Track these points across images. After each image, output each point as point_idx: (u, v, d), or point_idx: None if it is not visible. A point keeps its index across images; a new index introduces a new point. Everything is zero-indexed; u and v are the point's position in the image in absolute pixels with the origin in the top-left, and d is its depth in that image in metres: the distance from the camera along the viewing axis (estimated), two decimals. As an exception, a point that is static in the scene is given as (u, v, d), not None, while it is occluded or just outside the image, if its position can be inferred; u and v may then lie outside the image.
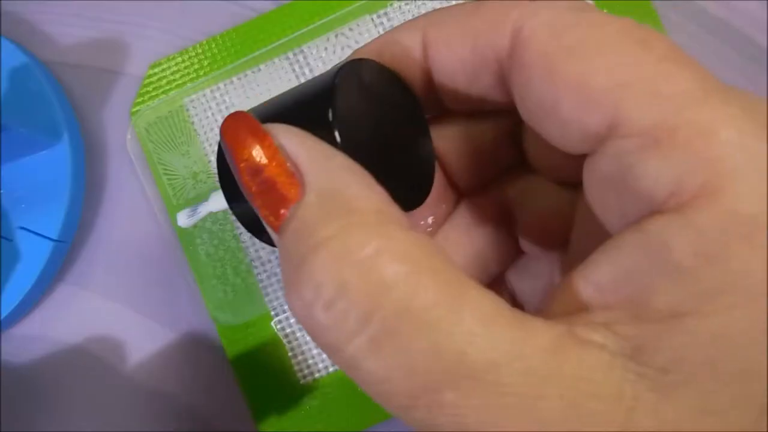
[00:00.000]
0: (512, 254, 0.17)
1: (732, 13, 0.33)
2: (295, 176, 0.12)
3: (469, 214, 0.17)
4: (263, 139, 0.12)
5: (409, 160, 0.15)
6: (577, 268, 0.11)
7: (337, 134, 0.13)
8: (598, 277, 0.11)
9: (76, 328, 0.33)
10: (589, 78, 0.11)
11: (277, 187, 0.12)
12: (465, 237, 0.17)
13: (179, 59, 0.34)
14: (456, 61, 0.14)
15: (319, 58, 0.33)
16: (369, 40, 0.33)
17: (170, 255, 0.33)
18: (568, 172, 0.15)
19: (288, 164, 0.12)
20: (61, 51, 0.35)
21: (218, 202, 0.32)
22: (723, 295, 0.09)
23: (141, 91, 0.34)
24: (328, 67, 0.33)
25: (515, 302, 0.18)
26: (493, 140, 0.16)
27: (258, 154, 0.12)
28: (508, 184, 0.16)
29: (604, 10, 0.13)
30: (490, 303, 0.11)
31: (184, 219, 0.32)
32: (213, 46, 0.34)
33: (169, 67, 0.34)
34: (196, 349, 0.33)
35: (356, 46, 0.33)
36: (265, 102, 0.16)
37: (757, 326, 0.09)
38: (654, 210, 0.10)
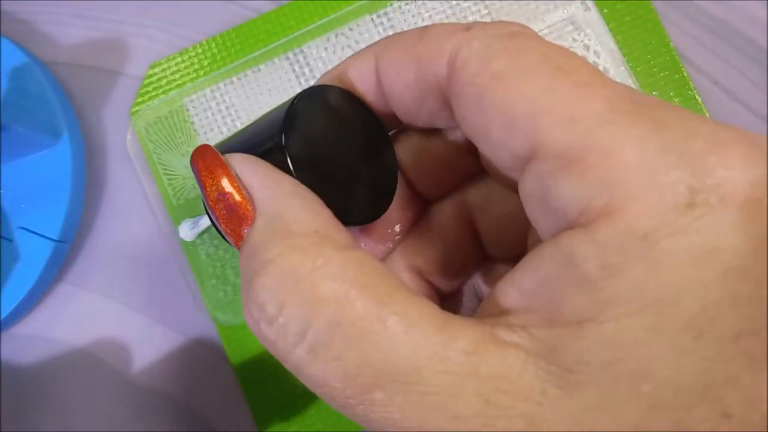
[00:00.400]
0: (478, 258, 0.18)
1: (732, 13, 0.33)
2: (250, 202, 0.14)
3: (435, 220, 0.18)
4: (223, 169, 0.14)
5: (371, 174, 0.16)
6: (507, 273, 0.13)
7: (288, 158, 0.14)
8: (521, 282, 0.12)
9: (76, 328, 0.33)
10: (512, 105, 0.12)
11: (236, 212, 0.14)
12: (431, 242, 0.18)
13: (179, 59, 0.34)
14: (403, 86, 0.15)
15: (319, 58, 0.33)
16: (369, 40, 0.33)
17: (170, 255, 0.33)
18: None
19: (244, 191, 0.14)
20: (61, 51, 0.35)
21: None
22: (619, 304, 0.10)
23: (141, 91, 0.34)
24: (328, 67, 0.33)
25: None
26: (451, 150, 0.17)
27: (219, 182, 0.14)
28: (469, 190, 0.17)
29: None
30: (416, 310, 0.12)
31: (185, 231, 0.32)
32: (213, 46, 0.34)
33: (169, 67, 0.34)
34: (196, 349, 0.33)
35: (356, 46, 0.33)
36: (234, 133, 0.17)
37: (647, 333, 0.10)
38: (568, 226, 0.11)
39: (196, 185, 0.33)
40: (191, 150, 0.33)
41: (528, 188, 0.12)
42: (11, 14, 0.35)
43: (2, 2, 0.35)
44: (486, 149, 0.13)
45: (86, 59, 0.35)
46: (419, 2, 0.33)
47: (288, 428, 0.32)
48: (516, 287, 0.12)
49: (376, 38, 0.33)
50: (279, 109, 0.16)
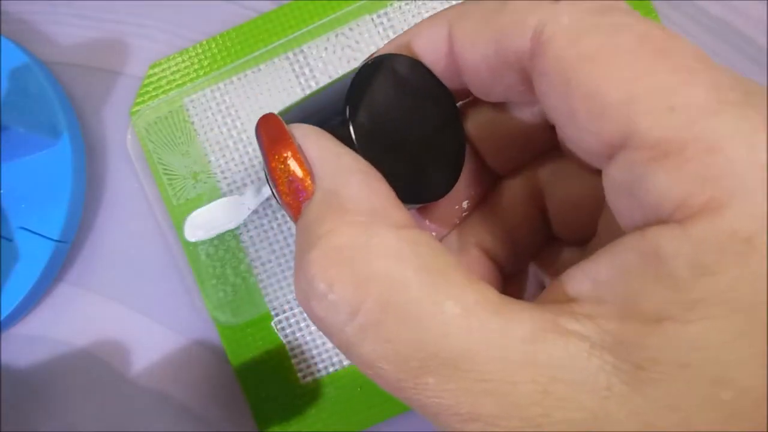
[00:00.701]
0: (544, 238, 0.17)
1: (732, 13, 0.33)
2: (310, 176, 0.13)
3: (503, 197, 0.17)
4: (287, 141, 0.14)
5: (438, 149, 0.16)
6: (580, 262, 0.12)
7: (351, 130, 0.14)
8: (596, 271, 0.11)
9: (76, 328, 0.33)
10: (603, 89, 0.11)
11: (296, 184, 0.14)
12: (498, 220, 0.17)
13: (179, 59, 0.34)
14: (480, 59, 0.14)
15: (319, 58, 0.33)
16: (369, 40, 0.33)
17: (170, 255, 0.33)
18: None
19: (306, 164, 0.14)
20: (61, 51, 0.35)
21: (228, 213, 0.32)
22: (706, 306, 0.10)
23: (141, 91, 0.34)
24: (328, 67, 0.33)
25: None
26: (525, 126, 0.16)
27: (282, 154, 0.14)
28: (541, 168, 0.17)
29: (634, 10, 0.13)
30: (474, 294, 0.11)
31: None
32: (213, 46, 0.34)
33: (169, 67, 0.34)
34: (196, 349, 0.33)
35: (356, 46, 0.33)
36: (300, 100, 0.17)
37: (734, 339, 0.10)
38: (660, 220, 0.11)
39: (197, 185, 0.33)
40: (191, 150, 0.33)
41: (615, 177, 0.12)
42: (11, 14, 0.35)
43: (2, 2, 0.35)
44: (570, 132, 0.13)
45: (86, 59, 0.35)
46: (419, 2, 0.33)
47: (288, 428, 0.32)
48: (588, 276, 0.12)
49: (376, 38, 0.33)
50: (345, 78, 0.15)
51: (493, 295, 0.12)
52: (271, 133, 0.14)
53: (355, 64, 0.33)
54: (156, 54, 0.34)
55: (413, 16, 0.33)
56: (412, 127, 0.15)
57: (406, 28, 0.33)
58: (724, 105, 0.10)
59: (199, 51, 0.34)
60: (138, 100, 0.34)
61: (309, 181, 0.13)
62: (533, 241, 0.17)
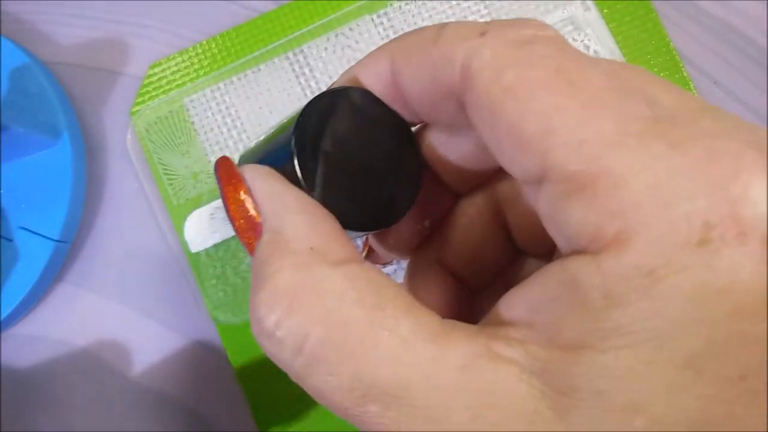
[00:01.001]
0: (510, 252, 0.18)
1: (732, 13, 0.33)
2: (260, 216, 0.14)
3: (464, 215, 0.18)
4: (238, 181, 0.15)
5: (392, 174, 0.16)
6: (517, 285, 0.13)
7: (296, 166, 0.14)
8: (528, 296, 0.12)
9: (76, 328, 0.33)
10: (522, 123, 0.12)
11: (250, 225, 0.14)
12: (460, 236, 0.18)
13: (179, 59, 0.34)
14: (420, 89, 0.14)
15: (319, 58, 0.33)
16: (369, 40, 0.33)
17: (170, 255, 0.33)
18: None
19: (255, 204, 0.14)
20: (61, 51, 0.35)
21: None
22: (619, 335, 0.10)
23: (141, 91, 0.34)
24: (328, 67, 0.33)
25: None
26: (479, 146, 0.16)
27: (236, 195, 0.15)
28: (499, 184, 0.17)
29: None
30: (410, 323, 0.12)
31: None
32: (213, 46, 0.34)
33: (169, 67, 0.34)
34: (196, 349, 0.33)
35: (356, 46, 0.33)
36: (259, 140, 0.17)
37: (644, 367, 0.10)
38: (578, 250, 0.11)
39: (197, 185, 0.33)
40: (191, 150, 0.33)
41: (542, 207, 0.12)
42: (11, 14, 0.35)
43: (2, 2, 0.35)
44: (501, 161, 0.13)
45: (86, 59, 0.35)
46: (419, 2, 0.33)
47: (288, 428, 0.32)
48: (524, 300, 0.12)
49: (376, 38, 0.33)
50: (293, 116, 0.15)
51: (432, 322, 0.12)
52: (225, 174, 0.15)
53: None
54: (156, 54, 0.34)
55: (413, 16, 0.33)
56: (364, 157, 0.16)
57: (406, 28, 0.33)
58: (628, 137, 0.11)
59: (199, 51, 0.34)
60: (138, 100, 0.34)
61: (259, 221, 0.14)
62: (498, 256, 0.18)
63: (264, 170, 0.15)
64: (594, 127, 0.11)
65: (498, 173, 0.17)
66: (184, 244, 0.32)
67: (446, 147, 0.17)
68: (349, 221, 0.15)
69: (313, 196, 0.15)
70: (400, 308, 0.12)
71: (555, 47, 0.13)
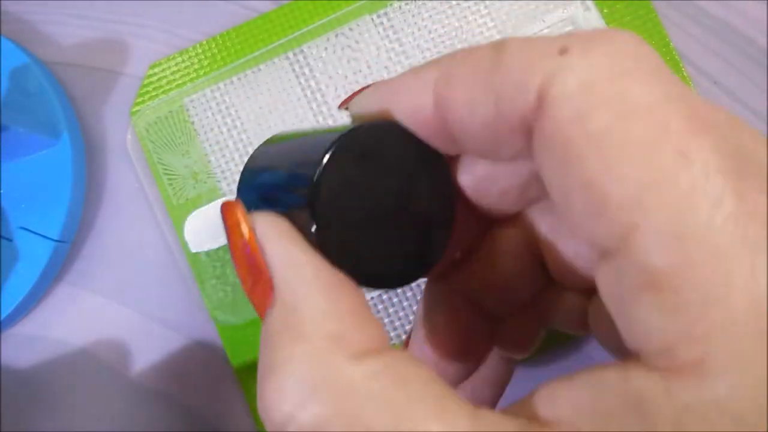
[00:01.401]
0: (543, 283, 0.17)
1: (732, 13, 0.33)
2: (270, 279, 0.13)
3: (497, 247, 0.16)
4: (249, 234, 0.13)
5: (424, 218, 0.15)
6: (558, 379, 0.11)
7: (315, 231, 0.13)
8: (576, 399, 0.11)
9: (76, 328, 0.33)
10: (606, 185, 0.10)
11: (260, 286, 0.13)
12: (491, 268, 0.16)
13: (179, 59, 0.34)
14: (480, 126, 0.12)
15: (319, 58, 0.33)
16: (369, 40, 0.33)
17: (170, 255, 0.33)
18: None
19: (265, 265, 0.13)
20: (61, 51, 0.35)
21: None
22: None
23: (141, 91, 0.34)
24: (328, 67, 0.33)
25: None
26: (522, 178, 0.15)
27: (245, 247, 0.13)
28: (537, 216, 0.16)
29: (631, 32, 0.11)
30: (440, 425, 0.10)
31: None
32: (213, 46, 0.34)
33: (169, 67, 0.34)
34: (196, 349, 0.33)
35: (356, 46, 0.33)
36: (284, 135, 0.15)
37: None
38: (643, 354, 0.10)
39: (197, 185, 0.33)
40: (191, 150, 0.33)
41: (604, 281, 0.11)
42: (11, 14, 0.35)
43: (2, 2, 0.35)
44: (564, 216, 0.11)
45: (86, 59, 0.35)
46: (419, 2, 0.33)
47: (288, 428, 0.32)
48: (569, 401, 0.11)
49: (376, 38, 0.33)
50: (317, 146, 0.14)
51: (464, 420, 0.11)
52: (232, 223, 0.13)
53: (355, 64, 0.33)
54: (156, 54, 0.34)
55: (413, 16, 0.33)
56: (393, 202, 0.14)
57: (406, 28, 0.33)
58: (738, 244, 0.09)
59: (199, 51, 0.34)
60: (138, 100, 0.34)
61: (270, 287, 0.13)
62: (529, 287, 0.17)
63: (277, 227, 0.13)
64: (699, 220, 0.09)
65: (536, 203, 0.16)
66: (184, 244, 0.32)
67: (488, 178, 0.15)
68: (376, 280, 0.14)
69: (332, 258, 0.13)
70: (431, 409, 0.11)
71: (661, 86, 0.10)
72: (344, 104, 0.16)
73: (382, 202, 0.14)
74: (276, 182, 0.15)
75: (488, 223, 0.16)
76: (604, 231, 0.10)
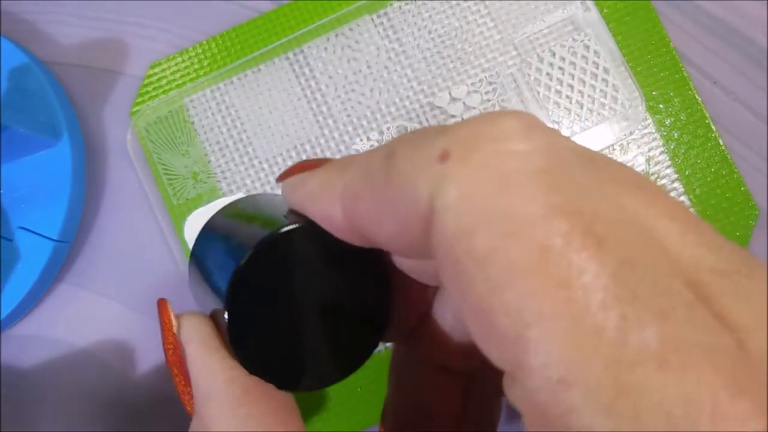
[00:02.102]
0: None
1: (732, 13, 0.33)
2: (190, 386, 0.13)
3: (447, 311, 0.16)
4: (176, 341, 0.13)
5: (356, 307, 0.14)
6: None
7: (228, 340, 0.13)
8: None
9: (76, 328, 0.33)
10: (493, 313, 0.09)
11: (185, 386, 0.13)
12: (446, 331, 0.16)
13: (179, 59, 0.34)
14: (387, 235, 0.12)
15: (319, 58, 0.33)
16: (369, 40, 0.33)
17: (170, 255, 0.33)
18: None
19: (186, 372, 0.13)
20: (61, 51, 0.35)
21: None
22: None
23: (141, 91, 0.34)
24: (328, 67, 0.33)
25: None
26: None
27: (170, 348, 0.13)
28: None
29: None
30: None
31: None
32: (213, 46, 0.34)
33: (169, 67, 0.34)
34: (196, 349, 0.33)
35: (356, 46, 0.33)
36: (210, 233, 0.16)
37: None
38: None
39: (197, 185, 0.33)
40: (191, 150, 0.33)
41: (508, 390, 0.10)
42: (11, 14, 0.35)
43: (2, 2, 0.35)
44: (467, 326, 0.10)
45: (86, 59, 0.35)
46: (419, 2, 0.33)
47: (288, 428, 0.32)
48: None
49: (376, 38, 0.33)
50: (243, 242, 0.13)
51: None
52: (164, 321, 0.14)
53: (355, 63, 0.33)
54: (156, 54, 0.34)
55: (413, 16, 0.33)
56: (319, 304, 0.14)
57: (406, 28, 0.33)
58: (616, 401, 0.08)
59: (199, 51, 0.34)
60: (138, 100, 0.34)
61: (188, 394, 0.13)
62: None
63: (199, 332, 0.13)
64: (580, 371, 0.08)
65: None
66: (184, 244, 0.32)
67: (419, 266, 0.14)
68: (295, 385, 0.14)
69: (246, 365, 0.13)
70: None
71: (544, 195, 0.09)
72: (281, 179, 0.15)
73: (304, 304, 0.14)
74: (206, 271, 0.15)
75: (436, 287, 0.16)
76: (495, 356, 0.10)
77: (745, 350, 0.08)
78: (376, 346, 0.15)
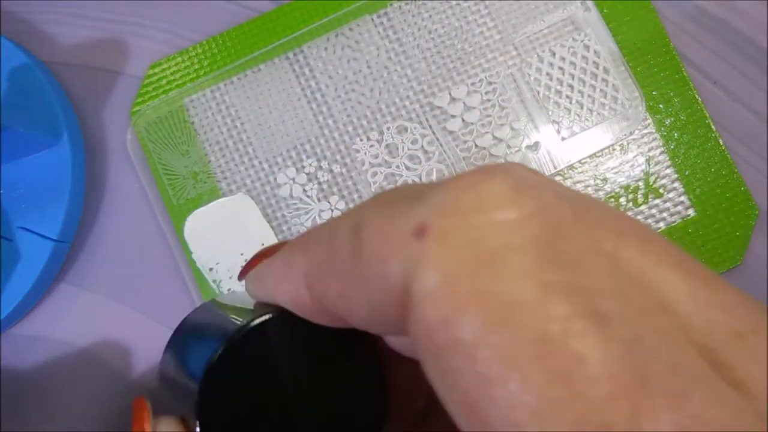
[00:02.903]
0: None
1: (732, 13, 0.33)
2: None
3: None
4: None
5: (349, 396, 0.13)
6: None
7: None
8: None
9: (76, 328, 0.33)
10: (485, 411, 0.08)
11: None
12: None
13: (179, 59, 0.34)
14: (358, 315, 0.11)
15: (319, 58, 0.33)
16: (369, 40, 0.33)
17: (170, 255, 0.33)
18: None
19: None
20: (61, 51, 0.35)
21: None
22: None
23: (141, 91, 0.34)
24: (328, 67, 0.33)
25: None
26: None
27: None
28: None
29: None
30: None
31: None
32: (213, 46, 0.34)
33: (169, 67, 0.34)
34: (196, 349, 0.33)
35: (356, 46, 0.33)
36: (183, 334, 0.15)
37: None
38: None
39: (197, 185, 0.33)
40: (191, 150, 0.33)
41: None
42: (11, 14, 0.35)
43: (2, 2, 0.35)
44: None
45: (86, 59, 0.35)
46: (419, 2, 0.33)
47: (288, 428, 0.32)
48: None
49: (376, 38, 0.33)
50: (211, 343, 0.13)
51: None
52: (137, 418, 0.13)
53: (355, 63, 0.33)
54: (156, 54, 0.34)
55: (413, 16, 0.33)
56: (298, 398, 0.13)
57: (406, 28, 0.33)
58: None
59: (199, 51, 0.34)
60: (138, 100, 0.34)
61: None
62: None
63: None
64: None
65: None
66: (184, 244, 0.32)
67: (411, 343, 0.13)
68: None
69: None
70: None
71: (535, 274, 0.08)
72: (242, 276, 0.14)
73: (285, 404, 0.13)
74: (174, 380, 0.14)
75: None
76: None
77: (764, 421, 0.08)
78: (384, 418, 0.13)
